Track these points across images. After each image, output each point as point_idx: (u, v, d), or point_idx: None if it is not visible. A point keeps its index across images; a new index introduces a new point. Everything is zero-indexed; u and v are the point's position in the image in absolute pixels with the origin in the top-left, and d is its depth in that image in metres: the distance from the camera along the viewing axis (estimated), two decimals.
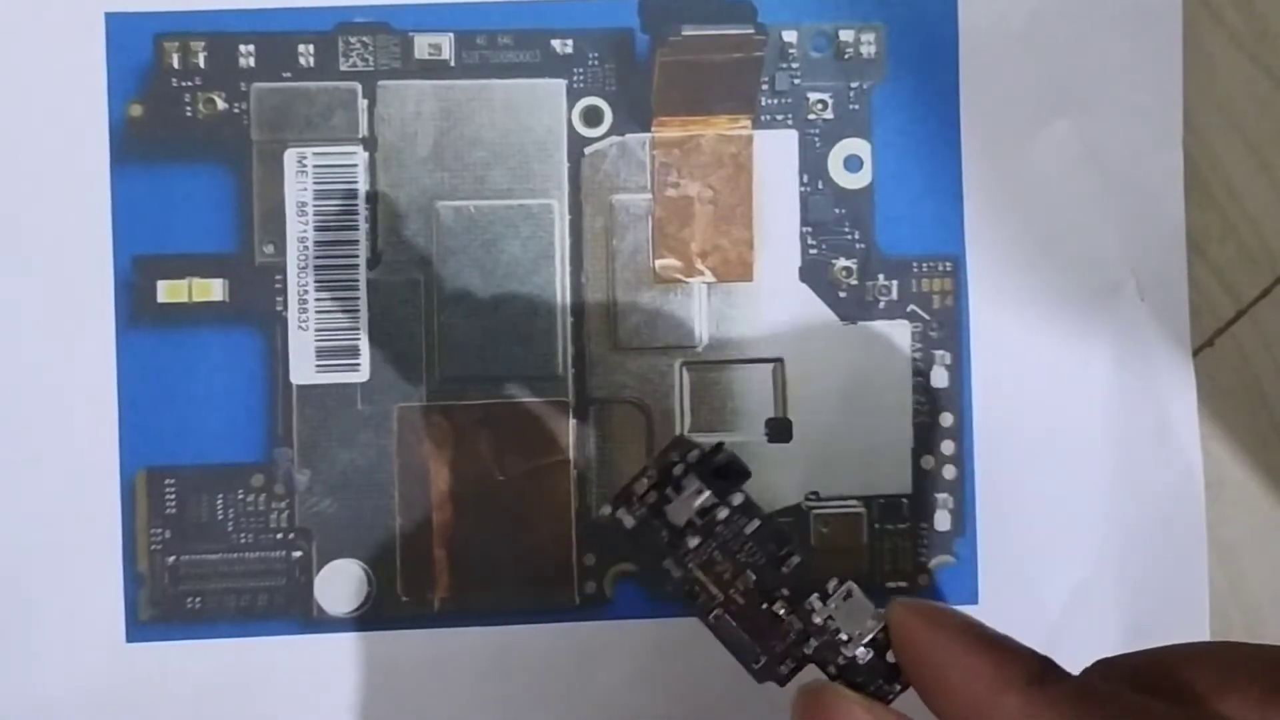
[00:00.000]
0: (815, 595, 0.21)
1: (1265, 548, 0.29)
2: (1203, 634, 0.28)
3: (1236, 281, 0.29)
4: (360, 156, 0.27)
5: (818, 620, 0.21)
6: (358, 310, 0.27)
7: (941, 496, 0.28)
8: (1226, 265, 0.29)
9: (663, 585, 0.28)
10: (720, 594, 0.21)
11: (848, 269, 0.28)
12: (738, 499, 0.21)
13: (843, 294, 0.28)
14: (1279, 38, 0.29)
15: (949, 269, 0.28)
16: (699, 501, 0.21)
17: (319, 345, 0.27)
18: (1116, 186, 0.28)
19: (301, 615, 0.27)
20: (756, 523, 0.21)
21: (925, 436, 0.28)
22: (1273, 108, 0.29)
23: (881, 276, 0.28)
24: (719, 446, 0.21)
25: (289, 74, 0.27)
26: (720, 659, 0.27)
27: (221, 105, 0.27)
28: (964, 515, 0.28)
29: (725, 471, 0.21)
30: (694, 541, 0.21)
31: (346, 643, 0.27)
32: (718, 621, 0.21)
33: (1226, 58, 0.29)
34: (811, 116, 0.28)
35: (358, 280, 0.27)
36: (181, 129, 0.27)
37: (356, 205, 0.27)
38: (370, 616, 0.27)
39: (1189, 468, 0.28)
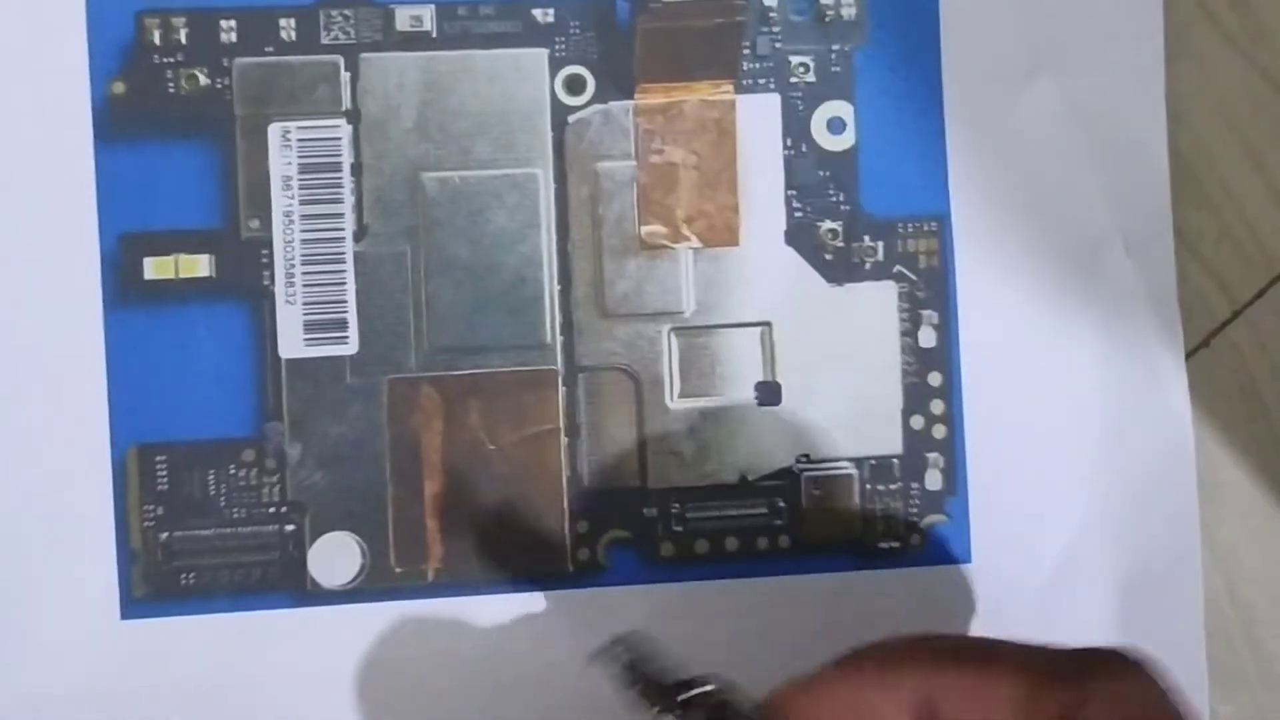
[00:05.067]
0: None
1: (1261, 549, 0.29)
2: (1195, 590, 0.28)
3: (1232, 283, 0.29)
4: (344, 130, 0.27)
5: None
6: (345, 283, 0.27)
7: (932, 456, 0.28)
8: (1222, 266, 0.29)
9: (657, 551, 0.28)
10: None
11: (833, 231, 0.28)
12: None
13: (829, 256, 0.28)
14: (1274, 38, 0.28)
15: (934, 229, 0.28)
16: None
17: (307, 319, 0.27)
18: (1100, 142, 0.28)
19: (296, 588, 0.27)
20: None
21: (914, 397, 0.28)
22: (1268, 108, 0.29)
23: (867, 238, 0.28)
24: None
25: (271, 49, 0.27)
26: (717, 626, 0.28)
27: (204, 81, 0.27)
28: (955, 474, 0.28)
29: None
30: None
31: (341, 615, 0.27)
32: None
33: (1221, 58, 0.29)
34: (794, 80, 0.28)
35: (344, 253, 0.27)
36: (164, 106, 0.27)
37: (341, 178, 0.27)
38: (364, 588, 0.27)
39: (1179, 421, 0.28)
